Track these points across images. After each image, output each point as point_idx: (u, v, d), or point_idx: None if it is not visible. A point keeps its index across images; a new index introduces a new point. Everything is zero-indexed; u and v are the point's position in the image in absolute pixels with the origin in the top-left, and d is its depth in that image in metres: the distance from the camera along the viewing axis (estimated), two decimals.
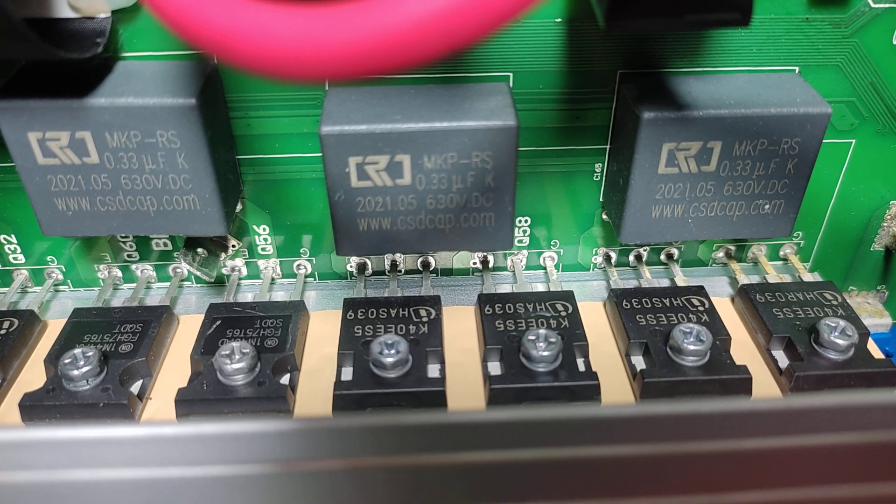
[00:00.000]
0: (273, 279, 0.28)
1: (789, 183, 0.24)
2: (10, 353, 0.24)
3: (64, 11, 0.22)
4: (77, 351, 0.23)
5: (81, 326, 0.24)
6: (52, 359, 0.23)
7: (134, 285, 0.28)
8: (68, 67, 0.22)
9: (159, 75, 0.22)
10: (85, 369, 0.22)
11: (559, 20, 0.23)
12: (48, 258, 0.27)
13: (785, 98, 0.23)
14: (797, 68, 0.24)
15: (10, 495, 0.15)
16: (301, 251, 0.27)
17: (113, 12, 0.22)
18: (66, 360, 0.22)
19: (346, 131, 0.21)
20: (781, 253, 0.29)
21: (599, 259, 0.29)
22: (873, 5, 0.23)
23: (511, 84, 0.24)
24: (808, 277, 0.28)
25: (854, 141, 0.26)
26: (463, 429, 0.16)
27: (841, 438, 0.16)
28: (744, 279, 0.27)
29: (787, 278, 0.28)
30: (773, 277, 0.28)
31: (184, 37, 0.13)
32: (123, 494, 0.15)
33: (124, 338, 0.24)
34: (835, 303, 0.26)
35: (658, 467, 0.16)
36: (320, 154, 0.25)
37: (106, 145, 0.21)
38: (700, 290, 0.26)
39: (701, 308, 0.26)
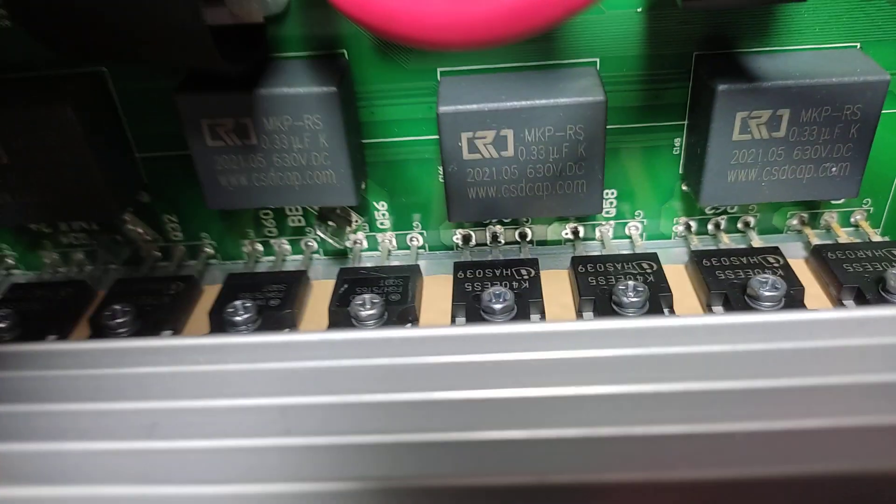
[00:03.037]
0: (389, 251, 0.32)
1: (853, 146, 0.26)
2: (179, 310, 0.29)
3: (225, 19, 0.26)
4: (237, 303, 0.27)
5: (235, 287, 0.29)
6: (216, 311, 0.28)
7: (273, 258, 0.32)
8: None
9: (304, 70, 0.26)
10: (245, 316, 0.27)
11: (639, 10, 0.26)
12: (202, 234, 0.32)
13: (845, 69, 0.25)
14: (859, 44, 0.27)
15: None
16: (414, 225, 0.32)
17: (265, 18, 0.26)
18: (229, 310, 0.27)
19: (460, 110, 0.25)
20: (852, 219, 0.31)
21: (681, 228, 0.32)
22: None
23: (598, 68, 0.27)
24: (877, 239, 0.30)
25: None
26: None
27: None
28: (816, 241, 0.30)
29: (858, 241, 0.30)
30: (844, 240, 0.30)
31: (353, 18, 0.17)
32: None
33: (272, 295, 0.28)
34: None
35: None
36: (432, 137, 0.29)
37: (263, 128, 0.26)
38: (775, 250, 0.29)
39: (776, 265, 0.28)
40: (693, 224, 0.31)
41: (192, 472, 0.15)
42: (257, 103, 0.25)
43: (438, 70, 0.28)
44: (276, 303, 0.28)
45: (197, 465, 0.15)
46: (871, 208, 0.31)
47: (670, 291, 0.27)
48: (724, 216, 0.31)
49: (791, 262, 0.29)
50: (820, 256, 0.29)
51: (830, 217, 0.31)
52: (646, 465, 0.16)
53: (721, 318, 0.19)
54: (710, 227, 0.32)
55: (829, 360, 0.17)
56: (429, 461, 0.16)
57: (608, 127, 0.29)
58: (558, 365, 0.19)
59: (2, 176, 0.27)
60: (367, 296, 0.27)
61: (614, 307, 0.26)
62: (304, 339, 0.19)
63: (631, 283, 0.27)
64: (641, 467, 0.16)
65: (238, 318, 0.27)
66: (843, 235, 0.31)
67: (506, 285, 0.28)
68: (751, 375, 0.18)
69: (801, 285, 0.27)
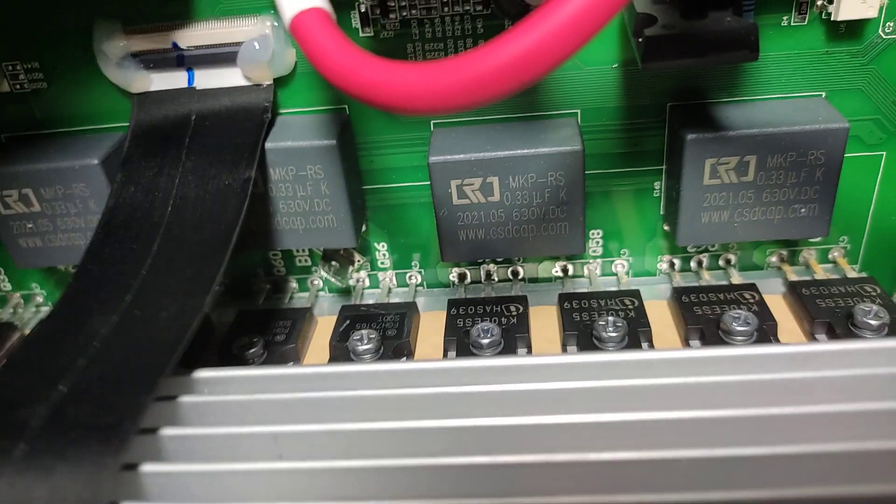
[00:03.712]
0: (390, 288, 0.34)
1: (820, 189, 0.28)
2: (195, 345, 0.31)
3: (239, 81, 0.29)
4: (245, 339, 0.29)
5: (245, 322, 0.31)
6: (227, 346, 0.30)
7: (281, 295, 0.35)
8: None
9: (309, 125, 0.29)
10: (251, 351, 0.29)
11: (615, 65, 0.28)
12: None
13: (808, 117, 0.27)
14: (824, 93, 0.29)
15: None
16: (412, 264, 0.34)
17: (274, 80, 0.29)
18: (240, 345, 0.29)
19: (449, 160, 0.28)
20: (830, 256, 0.33)
21: (664, 265, 0.33)
22: (885, 36, 0.27)
23: (579, 119, 0.30)
24: (852, 275, 0.31)
25: (885, 153, 0.30)
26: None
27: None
28: (794, 278, 0.32)
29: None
30: (821, 276, 0.31)
31: (342, 89, 0.20)
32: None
33: (278, 330, 0.31)
34: (873, 293, 0.29)
35: None
36: (428, 182, 0.31)
37: (271, 178, 0.28)
38: (752, 287, 0.31)
39: (752, 300, 0.30)
40: (676, 262, 0.33)
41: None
42: (267, 156, 0.28)
43: (432, 122, 0.30)
44: (281, 338, 0.30)
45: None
46: (848, 245, 0.33)
47: (649, 326, 0.29)
48: (706, 254, 0.33)
49: (770, 297, 0.30)
50: (795, 292, 0.30)
51: (809, 254, 0.33)
52: (603, 488, 0.17)
53: (680, 353, 0.21)
54: (692, 264, 0.33)
55: (767, 391, 0.19)
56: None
57: (593, 172, 0.31)
58: (532, 395, 0.21)
59: (34, 221, 0.30)
60: (364, 331, 0.29)
61: (595, 341, 0.28)
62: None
63: (611, 318, 0.28)
64: (597, 490, 0.17)
65: (246, 354, 0.29)
66: (821, 272, 0.32)
67: (494, 321, 0.30)
68: (708, 405, 0.20)
69: (774, 320, 0.29)
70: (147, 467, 0.18)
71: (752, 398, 0.20)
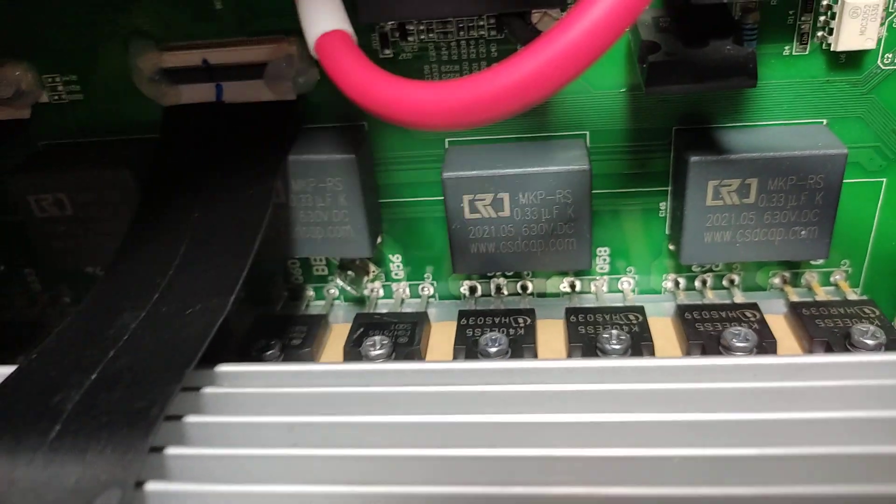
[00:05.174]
0: (403, 299, 0.35)
1: (820, 212, 0.29)
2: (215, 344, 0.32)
3: (265, 96, 0.31)
4: (262, 341, 0.31)
5: (264, 327, 0.32)
6: (245, 349, 0.31)
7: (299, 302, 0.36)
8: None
9: (329, 138, 0.30)
10: (268, 353, 0.30)
11: (623, 90, 0.30)
12: None
13: (808, 143, 0.28)
14: (825, 121, 0.30)
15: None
16: (425, 276, 0.35)
17: (298, 96, 0.31)
18: (257, 348, 0.30)
19: (462, 175, 0.29)
20: (832, 279, 0.34)
21: (669, 284, 0.34)
22: (883, 67, 0.29)
23: (588, 140, 0.31)
24: (853, 297, 0.32)
25: (885, 179, 0.31)
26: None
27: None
28: (796, 299, 0.32)
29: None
30: (822, 298, 0.32)
31: (361, 105, 0.21)
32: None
33: (295, 335, 0.32)
34: (872, 315, 0.30)
35: None
36: (442, 197, 0.32)
37: (292, 189, 0.30)
38: (753, 306, 0.31)
39: (752, 319, 0.31)
40: (681, 280, 0.34)
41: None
42: (289, 167, 0.29)
43: (446, 140, 0.31)
44: (297, 342, 0.31)
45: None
46: (850, 269, 0.33)
47: (651, 340, 0.30)
48: (710, 273, 0.34)
49: (771, 317, 0.31)
50: (796, 312, 0.31)
51: (811, 276, 0.34)
52: (596, 481, 0.18)
53: (677, 361, 0.22)
54: (696, 283, 0.34)
55: (756, 398, 0.20)
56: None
57: (602, 191, 0.32)
58: (532, 395, 0.22)
59: (66, 225, 0.32)
60: (377, 337, 0.30)
61: (598, 353, 0.29)
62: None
63: (615, 331, 0.29)
64: (591, 483, 0.18)
65: (264, 356, 0.30)
66: (822, 294, 0.33)
67: (503, 332, 0.31)
68: (708, 409, 0.20)
69: (774, 338, 0.29)
70: (172, 450, 0.19)
71: (743, 404, 0.21)
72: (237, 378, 0.22)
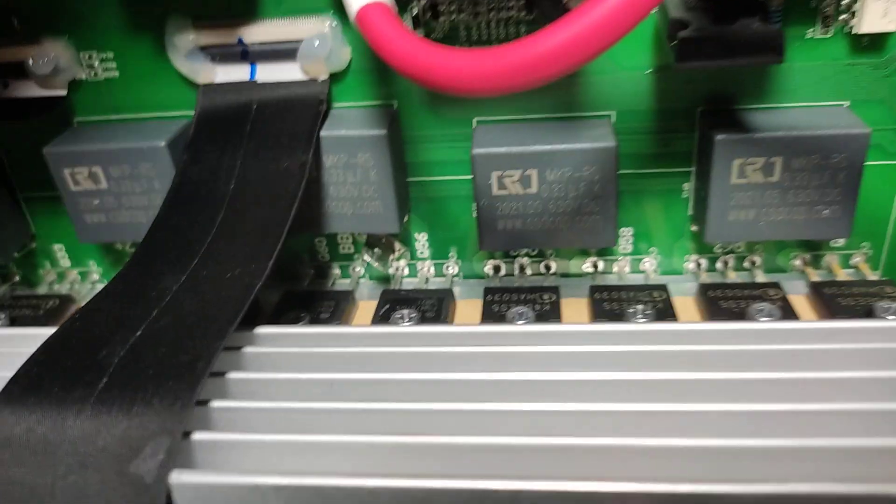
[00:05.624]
0: (427, 278, 0.36)
1: (842, 191, 0.29)
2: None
3: (298, 75, 0.31)
4: (292, 314, 0.31)
5: (291, 301, 0.33)
6: (275, 321, 0.32)
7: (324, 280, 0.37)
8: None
9: (360, 117, 0.31)
10: (299, 325, 0.31)
11: (649, 71, 0.30)
12: None
13: (831, 122, 0.29)
14: (847, 103, 0.30)
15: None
16: (450, 255, 0.35)
17: (330, 75, 0.31)
18: (287, 320, 0.31)
19: (491, 152, 0.30)
20: (852, 261, 0.34)
21: (691, 265, 0.35)
22: None
23: (614, 120, 0.31)
24: (872, 278, 0.33)
25: None
26: None
27: None
28: (816, 278, 0.33)
29: None
30: (842, 278, 0.33)
31: (403, 73, 0.22)
32: None
33: (323, 309, 0.32)
34: (893, 293, 0.31)
35: None
36: (469, 177, 0.33)
37: (323, 164, 0.30)
38: (775, 285, 0.32)
39: (775, 297, 0.31)
40: (703, 262, 0.35)
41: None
42: (322, 143, 0.30)
43: (474, 119, 0.32)
44: (325, 316, 0.32)
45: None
46: (870, 251, 0.34)
47: (676, 317, 0.30)
48: (732, 255, 0.34)
49: (792, 297, 0.32)
50: (818, 291, 0.32)
51: (831, 259, 0.34)
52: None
53: (704, 326, 0.23)
54: (718, 264, 0.35)
55: (773, 358, 0.21)
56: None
57: (625, 172, 0.32)
58: (558, 356, 0.22)
59: (101, 198, 0.32)
60: (405, 311, 0.31)
61: None
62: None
63: (640, 307, 0.30)
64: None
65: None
66: (843, 275, 0.33)
67: (529, 307, 0.31)
68: (734, 369, 0.21)
69: (797, 315, 0.30)
70: (217, 403, 0.20)
71: (760, 364, 0.21)
72: (276, 339, 0.23)
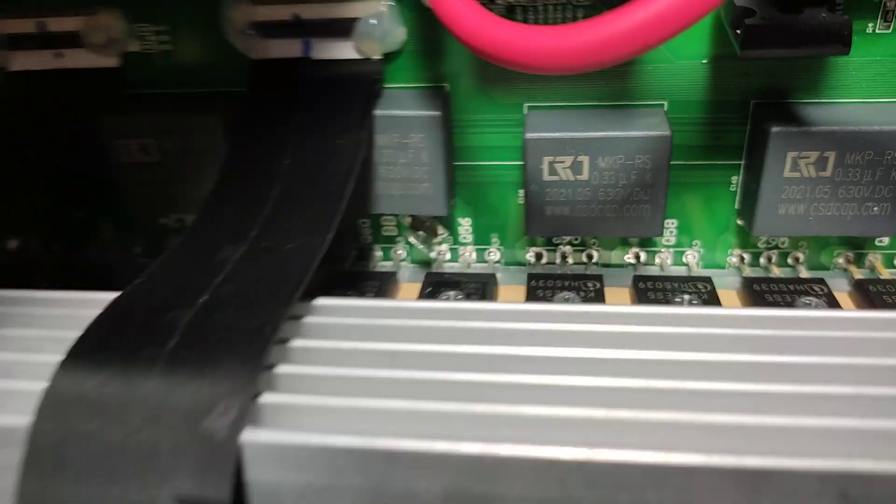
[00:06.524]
0: (469, 263, 0.36)
1: (894, 189, 0.29)
2: None
3: (351, 54, 0.32)
4: (338, 292, 0.31)
5: (336, 281, 0.33)
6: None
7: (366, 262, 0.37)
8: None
9: (413, 98, 0.31)
10: None
11: (705, 61, 0.30)
12: None
13: (888, 119, 0.29)
14: None
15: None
16: (492, 241, 0.36)
17: (383, 55, 0.31)
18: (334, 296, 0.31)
19: (543, 136, 0.30)
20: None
21: (734, 259, 0.35)
22: None
23: (666, 109, 0.31)
24: None
25: None
26: None
27: None
28: (860, 276, 0.33)
29: None
30: (886, 277, 0.33)
31: (476, 50, 0.22)
32: None
33: (368, 288, 0.33)
34: None
35: None
36: (515, 163, 0.33)
37: (376, 144, 0.31)
38: (821, 281, 0.32)
39: (821, 292, 0.31)
40: (746, 256, 0.35)
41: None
42: (375, 122, 0.30)
43: (525, 105, 0.32)
44: (371, 295, 0.32)
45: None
46: None
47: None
48: (776, 251, 0.34)
49: (835, 294, 0.32)
50: (862, 288, 0.32)
51: (875, 257, 0.34)
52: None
53: (751, 311, 0.23)
54: (762, 260, 0.35)
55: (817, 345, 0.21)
56: None
57: (675, 162, 0.32)
58: (601, 336, 0.22)
59: (151, 171, 0.33)
60: (451, 292, 0.31)
61: None
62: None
63: (686, 296, 0.30)
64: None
65: None
66: (886, 274, 0.33)
67: (574, 293, 0.31)
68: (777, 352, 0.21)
69: (843, 309, 0.30)
70: (283, 368, 0.20)
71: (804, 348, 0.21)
72: (338, 310, 0.23)
